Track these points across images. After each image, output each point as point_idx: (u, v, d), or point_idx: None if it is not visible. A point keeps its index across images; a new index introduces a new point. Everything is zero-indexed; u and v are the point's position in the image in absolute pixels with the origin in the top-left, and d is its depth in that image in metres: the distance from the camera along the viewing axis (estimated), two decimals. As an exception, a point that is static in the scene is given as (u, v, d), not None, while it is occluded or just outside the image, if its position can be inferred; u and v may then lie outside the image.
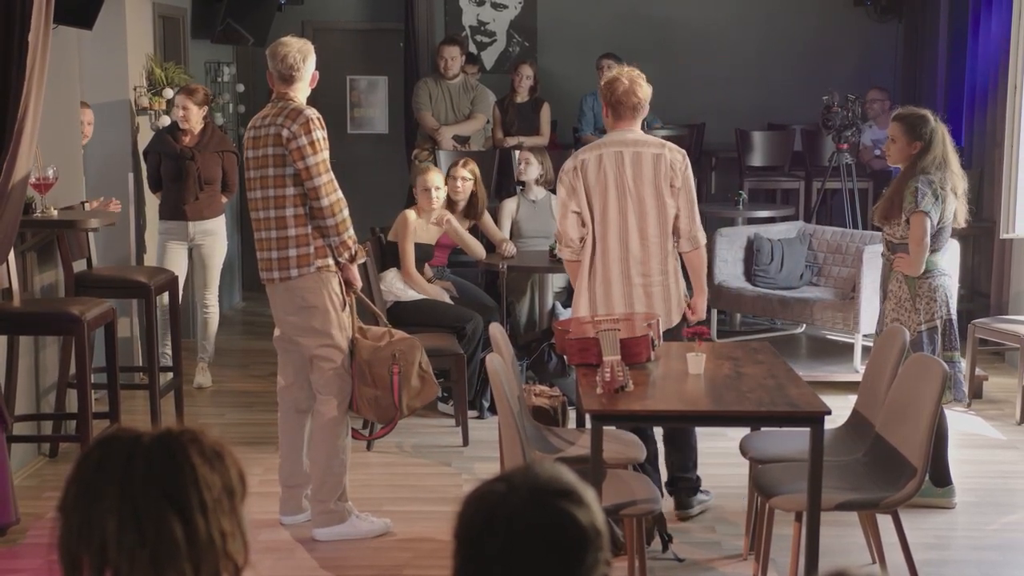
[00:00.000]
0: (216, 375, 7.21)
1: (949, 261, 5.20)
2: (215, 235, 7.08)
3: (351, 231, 4.68)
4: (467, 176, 6.86)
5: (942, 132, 5.05)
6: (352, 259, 4.70)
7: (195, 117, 6.81)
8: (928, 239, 4.96)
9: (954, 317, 5.11)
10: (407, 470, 5.65)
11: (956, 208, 5.04)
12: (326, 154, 4.60)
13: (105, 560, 1.60)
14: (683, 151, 4.91)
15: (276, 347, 4.90)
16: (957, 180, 5.04)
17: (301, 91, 4.71)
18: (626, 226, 4.81)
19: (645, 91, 4.86)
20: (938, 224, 5.00)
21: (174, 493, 1.62)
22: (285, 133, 4.54)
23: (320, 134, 4.58)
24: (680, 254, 4.89)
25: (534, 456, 4.15)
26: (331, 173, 4.63)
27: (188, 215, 6.91)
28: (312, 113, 4.60)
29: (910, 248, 5.00)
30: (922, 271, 5.02)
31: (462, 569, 1.65)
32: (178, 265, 6.91)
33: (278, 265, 4.65)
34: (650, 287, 4.82)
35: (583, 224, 4.86)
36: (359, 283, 4.81)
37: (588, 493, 1.66)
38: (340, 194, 4.64)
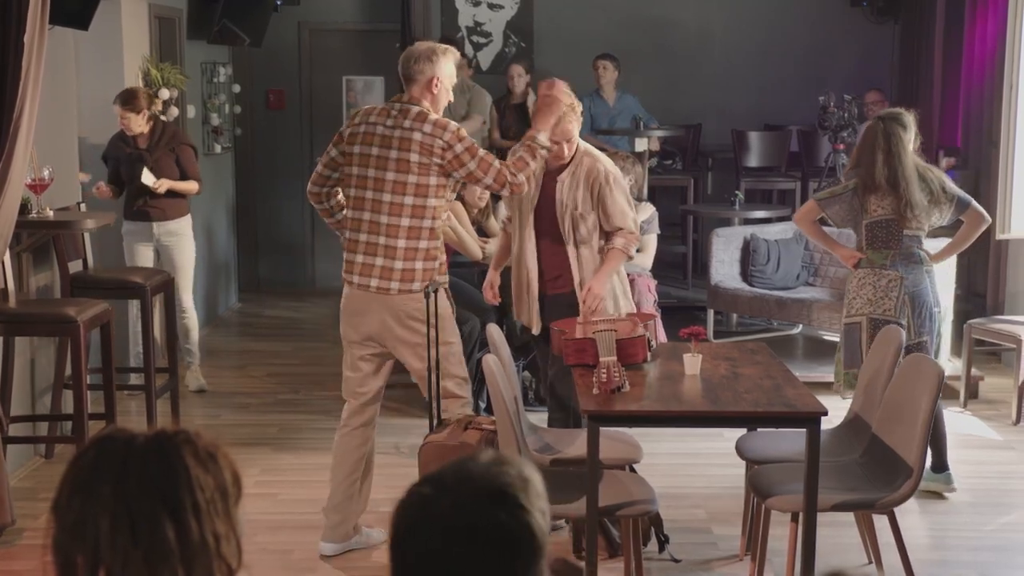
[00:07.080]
0: (212, 376, 7.19)
1: (889, 259, 5.13)
2: (180, 236, 6.89)
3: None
4: None
5: (880, 130, 5.05)
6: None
7: (137, 123, 6.60)
8: (802, 218, 5.36)
9: (878, 316, 5.06)
10: (404, 471, 5.63)
11: (893, 201, 5.04)
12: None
13: (99, 560, 1.60)
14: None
15: (359, 356, 4.62)
16: (882, 174, 5.04)
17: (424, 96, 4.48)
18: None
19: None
20: (851, 217, 5.14)
21: (167, 494, 1.62)
22: (439, 143, 4.36)
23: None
24: None
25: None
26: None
27: (152, 216, 6.76)
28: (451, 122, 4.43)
29: None
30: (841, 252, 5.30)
31: None
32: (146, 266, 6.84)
33: (400, 276, 4.44)
34: None
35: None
36: None
37: (527, 493, 1.52)
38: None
